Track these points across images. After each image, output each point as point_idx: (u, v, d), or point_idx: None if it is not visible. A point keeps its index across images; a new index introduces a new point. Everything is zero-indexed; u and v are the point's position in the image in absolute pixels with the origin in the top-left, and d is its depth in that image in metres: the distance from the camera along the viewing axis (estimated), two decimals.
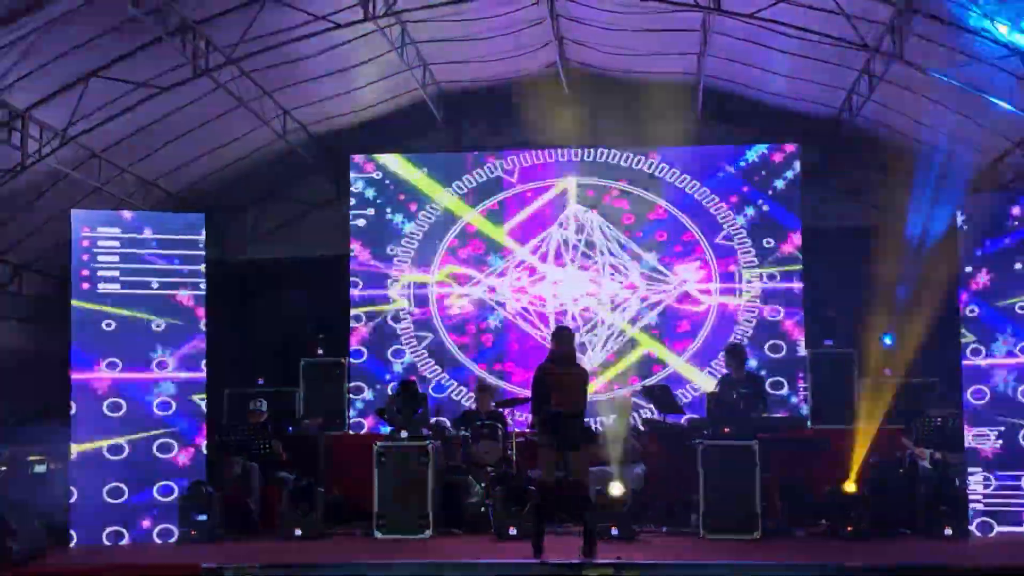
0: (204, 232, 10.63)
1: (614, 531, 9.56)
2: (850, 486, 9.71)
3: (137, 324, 10.27)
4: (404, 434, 10.17)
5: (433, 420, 11.02)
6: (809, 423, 11.90)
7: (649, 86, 13.27)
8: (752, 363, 12.33)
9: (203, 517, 9.99)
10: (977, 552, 8.82)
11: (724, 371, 11.12)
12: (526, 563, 8.16)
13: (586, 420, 8.96)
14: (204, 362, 10.44)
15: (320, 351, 12.79)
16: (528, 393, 11.84)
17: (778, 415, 12.00)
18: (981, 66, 10.20)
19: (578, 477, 8.61)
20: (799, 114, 13.17)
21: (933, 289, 11.03)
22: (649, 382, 12.35)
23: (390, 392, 12.03)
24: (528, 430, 11.11)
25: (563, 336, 8.81)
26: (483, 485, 10.52)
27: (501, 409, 11.52)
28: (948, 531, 9.54)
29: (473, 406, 11.95)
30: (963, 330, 10.07)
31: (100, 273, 10.32)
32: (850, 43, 10.61)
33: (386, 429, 10.73)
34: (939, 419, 10.37)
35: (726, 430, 9.77)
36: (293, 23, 10.73)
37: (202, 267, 10.55)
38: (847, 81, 12.01)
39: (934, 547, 9.05)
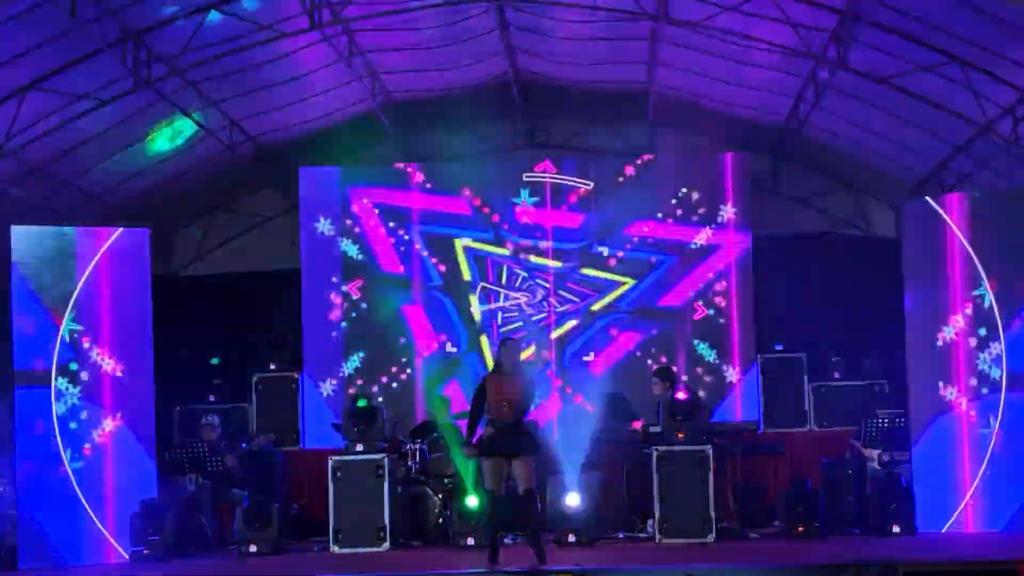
0: (149, 247, 10.75)
1: (572, 538, 9.90)
2: None
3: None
4: (359, 447, 10.38)
5: (388, 433, 11.25)
6: (761, 427, 12.33)
7: (600, 95, 13.69)
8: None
9: (155, 536, 10.09)
10: (923, 548, 9.24)
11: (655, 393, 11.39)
12: (482, 572, 8.45)
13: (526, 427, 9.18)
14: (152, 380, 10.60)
15: (273, 366, 12.96)
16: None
17: (731, 420, 12.45)
18: (924, 73, 10.67)
19: (526, 486, 8.87)
20: (748, 122, 13.56)
21: (879, 293, 11.50)
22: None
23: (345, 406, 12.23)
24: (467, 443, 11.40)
25: (506, 345, 9.14)
26: (440, 497, 10.78)
27: (457, 421, 11.80)
28: (896, 528, 9.98)
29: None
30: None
31: (41, 291, 10.34)
32: (795, 51, 11.04)
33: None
34: (886, 420, 10.82)
35: (680, 435, 10.09)
36: (238, 32, 10.87)
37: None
38: (794, 89, 12.44)
39: (882, 544, 9.48)
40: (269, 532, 10.28)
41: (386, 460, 10.32)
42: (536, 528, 8.99)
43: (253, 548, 10.21)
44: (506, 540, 10.05)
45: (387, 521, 10.11)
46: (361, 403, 10.55)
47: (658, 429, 10.58)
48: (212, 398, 12.77)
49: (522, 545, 9.59)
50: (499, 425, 8.78)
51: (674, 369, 12.05)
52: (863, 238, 13.97)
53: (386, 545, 10.06)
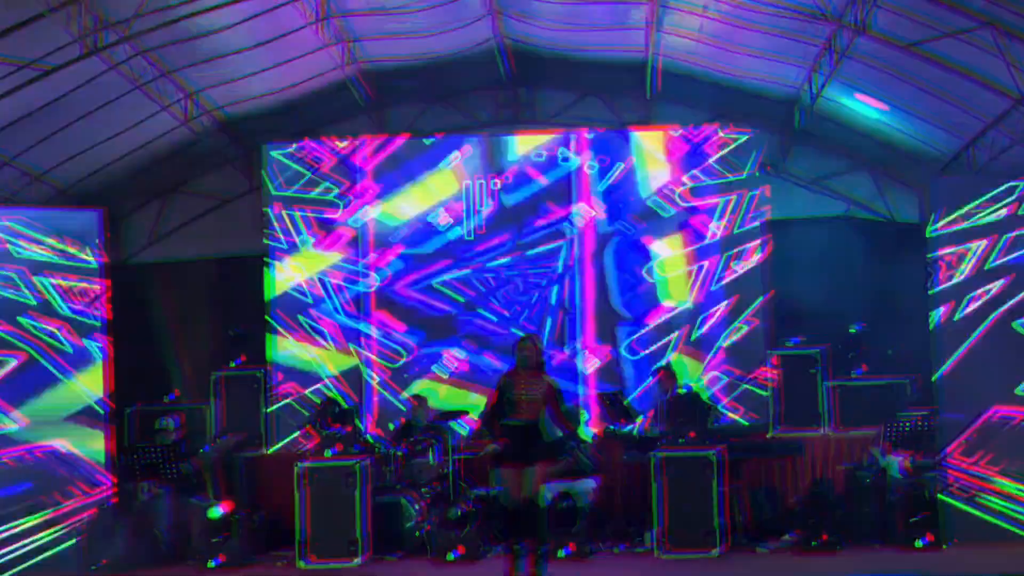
0: (101, 231, 10.48)
1: (567, 550, 9.70)
2: None
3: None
4: (331, 451, 10.12)
5: (366, 434, 11.03)
6: (777, 428, 12.04)
7: (595, 64, 13.44)
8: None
9: (108, 547, 9.98)
10: (950, 564, 8.98)
11: (659, 394, 11.24)
12: None
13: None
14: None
15: (236, 361, 12.70)
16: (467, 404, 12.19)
17: (742, 421, 12.22)
18: (954, 40, 10.38)
19: (533, 494, 8.68)
20: (756, 95, 13.33)
21: (906, 281, 11.27)
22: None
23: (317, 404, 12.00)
24: (471, 442, 11.13)
25: (526, 344, 8.85)
26: (420, 506, 10.52)
27: (442, 422, 11.49)
28: (922, 542, 9.72)
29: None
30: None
31: None
32: (811, 12, 10.74)
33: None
34: (910, 422, 10.56)
35: (692, 434, 9.91)
36: None
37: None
38: (809, 57, 12.17)
39: (906, 559, 9.22)
40: (232, 544, 10.12)
41: (359, 466, 10.01)
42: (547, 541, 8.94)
43: (214, 562, 10.01)
44: (495, 550, 9.85)
45: (360, 533, 9.90)
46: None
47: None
48: (172, 396, 12.54)
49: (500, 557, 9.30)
50: (511, 430, 8.56)
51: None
52: (884, 222, 13.68)
53: (358, 560, 9.87)
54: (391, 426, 12.46)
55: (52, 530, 10.04)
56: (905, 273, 11.34)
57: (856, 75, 12.06)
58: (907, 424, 10.58)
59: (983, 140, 12.14)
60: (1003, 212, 9.98)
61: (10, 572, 9.81)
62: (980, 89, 11.01)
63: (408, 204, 13.34)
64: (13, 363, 10.19)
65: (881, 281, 12.04)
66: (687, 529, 9.67)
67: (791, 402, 12.18)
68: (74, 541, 9.98)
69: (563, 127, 13.66)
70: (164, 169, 13.85)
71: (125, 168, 13.45)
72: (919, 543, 9.69)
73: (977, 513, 9.82)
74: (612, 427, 11.28)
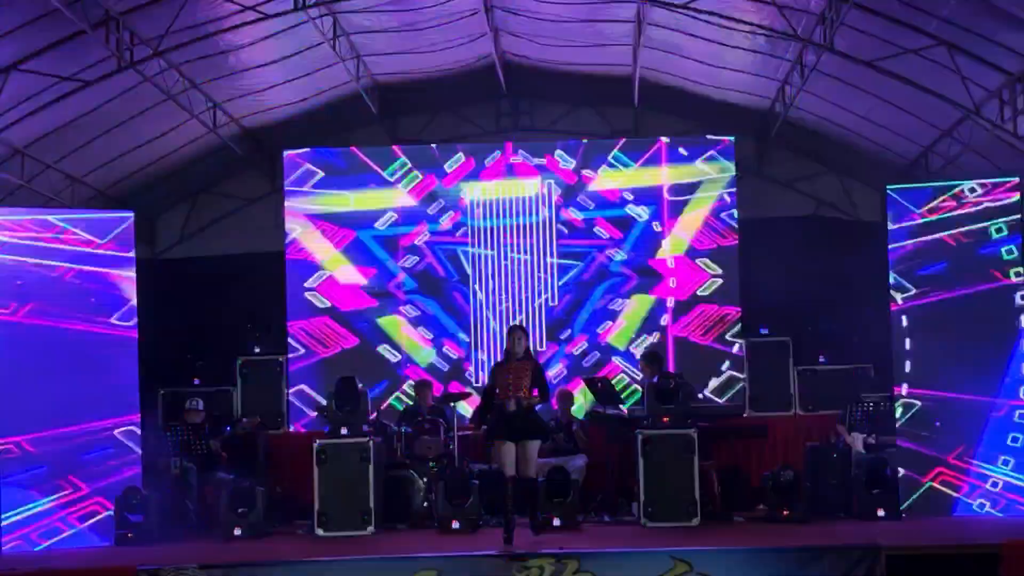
0: (134, 230, 10.60)
1: (556, 522, 9.88)
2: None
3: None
4: (344, 431, 10.33)
5: (373, 417, 11.17)
6: (746, 410, 12.28)
7: (586, 78, 13.62)
8: None
9: (139, 518, 10.03)
10: (905, 533, 9.20)
11: (641, 378, 11.41)
12: (469, 555, 8.40)
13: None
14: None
15: (257, 349, 12.84)
16: (467, 388, 12.45)
17: (717, 403, 12.44)
18: (910, 56, 10.61)
19: (532, 469, 9.08)
20: (734, 106, 13.51)
21: (865, 277, 11.45)
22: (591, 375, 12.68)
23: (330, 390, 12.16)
24: (470, 424, 11.42)
25: (513, 332, 9.32)
26: (425, 480, 10.74)
27: (443, 404, 11.77)
28: (881, 513, 9.95)
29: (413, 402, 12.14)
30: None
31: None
32: (782, 33, 10.96)
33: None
34: (871, 404, 10.77)
35: (665, 419, 10.08)
36: (221, 13, 10.81)
37: (132, 267, 10.49)
38: (781, 72, 12.37)
39: (867, 528, 9.47)
40: (253, 515, 10.21)
41: (371, 443, 10.23)
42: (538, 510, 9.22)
43: (238, 531, 10.12)
44: (492, 521, 10.06)
45: (372, 505, 10.04)
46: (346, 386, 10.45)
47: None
48: (197, 381, 12.60)
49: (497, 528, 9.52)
50: (509, 410, 8.96)
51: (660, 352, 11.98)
52: (849, 221, 13.92)
53: (371, 528, 10.00)
54: (399, 407, 12.72)
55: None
56: (865, 266, 11.50)
57: (823, 88, 12.29)
58: (868, 405, 10.87)
59: (937, 147, 12.41)
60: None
61: (47, 543, 9.91)
62: (935, 101, 11.22)
63: None
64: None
65: (843, 273, 12.22)
66: (669, 501, 9.82)
67: (763, 387, 12.42)
68: (108, 513, 10.09)
69: (558, 135, 13.87)
70: (192, 173, 14.00)
71: (156, 173, 13.62)
72: (879, 515, 9.89)
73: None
74: (600, 410, 11.52)
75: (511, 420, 9.01)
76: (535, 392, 9.14)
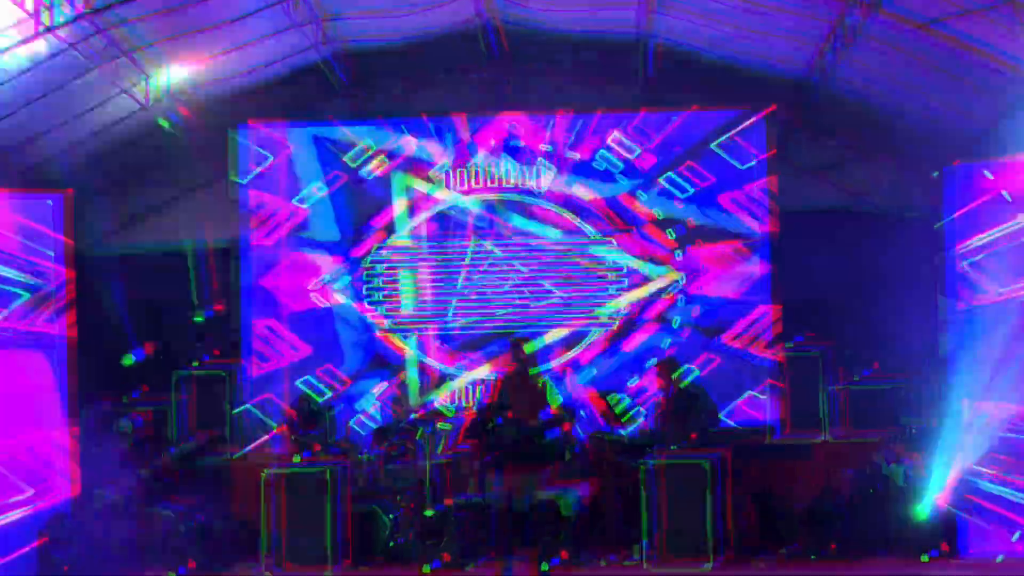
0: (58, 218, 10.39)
1: (553, 561, 9.63)
2: None
3: None
4: (302, 456, 10.07)
5: (342, 437, 10.94)
6: (777, 432, 12.00)
7: (587, 44, 13.32)
8: None
9: (62, 556, 9.92)
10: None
11: (656, 391, 11.21)
12: None
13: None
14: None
15: (205, 357, 12.65)
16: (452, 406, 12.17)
17: (743, 424, 12.20)
18: (972, 18, 10.25)
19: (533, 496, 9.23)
20: (762, 77, 13.21)
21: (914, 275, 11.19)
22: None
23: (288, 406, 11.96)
24: (463, 443, 11.07)
25: (518, 345, 9.43)
26: (390, 516, 10.41)
27: (422, 422, 11.39)
28: (933, 553, 9.70)
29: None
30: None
31: None
32: None
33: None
34: (914, 427, 10.56)
35: (694, 436, 9.89)
36: None
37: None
38: (817, 38, 12.04)
39: (917, 570, 9.20)
40: (196, 550, 10.17)
41: (329, 472, 9.98)
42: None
43: (179, 571, 10.00)
44: (479, 562, 9.88)
45: (329, 542, 9.84)
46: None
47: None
48: (136, 394, 12.46)
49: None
50: (507, 433, 8.99)
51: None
52: (896, 214, 13.56)
53: (330, 571, 9.82)
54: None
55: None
56: (915, 267, 11.27)
57: (868, 56, 11.91)
58: (913, 428, 10.55)
59: (1006, 124, 12.01)
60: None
61: None
62: (1002, 70, 10.81)
63: None
64: None
65: (889, 275, 11.96)
66: (679, 540, 9.63)
67: (795, 404, 12.13)
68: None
69: (553, 109, 13.63)
70: (127, 155, 13.63)
71: (85, 153, 13.22)
72: (926, 556, 9.64)
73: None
74: (603, 430, 11.15)
75: (518, 444, 8.97)
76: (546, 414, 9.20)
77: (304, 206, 13.42)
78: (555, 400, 9.31)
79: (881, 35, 11.35)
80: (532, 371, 9.20)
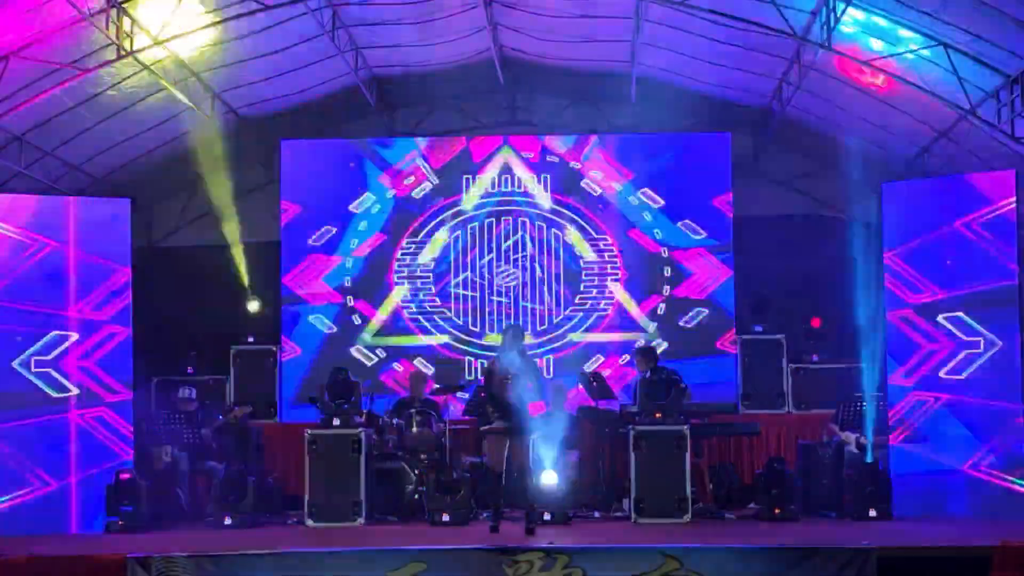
0: (130, 218, 10.54)
1: (547, 516, 9.75)
2: None
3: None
4: (336, 422, 10.18)
5: (366, 408, 11.02)
6: (739, 408, 12.12)
7: (583, 74, 13.45)
8: None
9: (130, 507, 9.94)
10: (897, 533, 9.07)
11: (636, 374, 11.32)
12: (458, 549, 8.27)
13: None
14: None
15: (251, 339, 12.75)
16: (461, 381, 12.35)
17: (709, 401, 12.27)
18: (908, 56, 10.45)
19: (521, 463, 9.31)
20: (731, 103, 13.35)
21: (860, 274, 11.34)
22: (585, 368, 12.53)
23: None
24: (466, 417, 11.29)
25: (509, 332, 9.58)
26: (416, 472, 10.59)
27: (435, 397, 11.62)
28: (873, 513, 9.79)
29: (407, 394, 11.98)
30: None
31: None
32: (779, 31, 10.82)
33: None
34: (864, 402, 10.62)
35: (657, 415, 9.93)
36: (221, 4, 10.69)
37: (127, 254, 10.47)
38: (778, 70, 12.22)
39: (858, 528, 9.32)
40: (244, 505, 10.16)
41: (362, 434, 10.09)
42: (530, 503, 9.34)
43: (228, 520, 10.07)
44: (483, 515, 9.99)
45: (363, 496, 9.97)
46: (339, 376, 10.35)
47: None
48: (190, 370, 12.56)
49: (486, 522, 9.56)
50: (501, 406, 9.15)
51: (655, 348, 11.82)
52: (845, 220, 13.74)
53: (361, 520, 9.93)
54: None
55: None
56: (859, 267, 11.40)
57: (820, 87, 12.11)
58: (859, 405, 10.72)
59: (934, 148, 12.24)
60: None
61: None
62: (933, 102, 11.00)
63: None
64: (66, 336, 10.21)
65: (839, 272, 12.10)
66: (660, 497, 9.76)
67: (756, 384, 12.30)
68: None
69: (556, 131, 13.73)
70: (190, 163, 13.60)
71: (155, 161, 13.43)
72: (871, 515, 9.78)
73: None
74: (592, 405, 11.37)
75: (508, 414, 9.10)
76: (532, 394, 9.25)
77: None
78: (536, 381, 9.39)
79: (831, 70, 11.53)
80: (515, 356, 9.28)
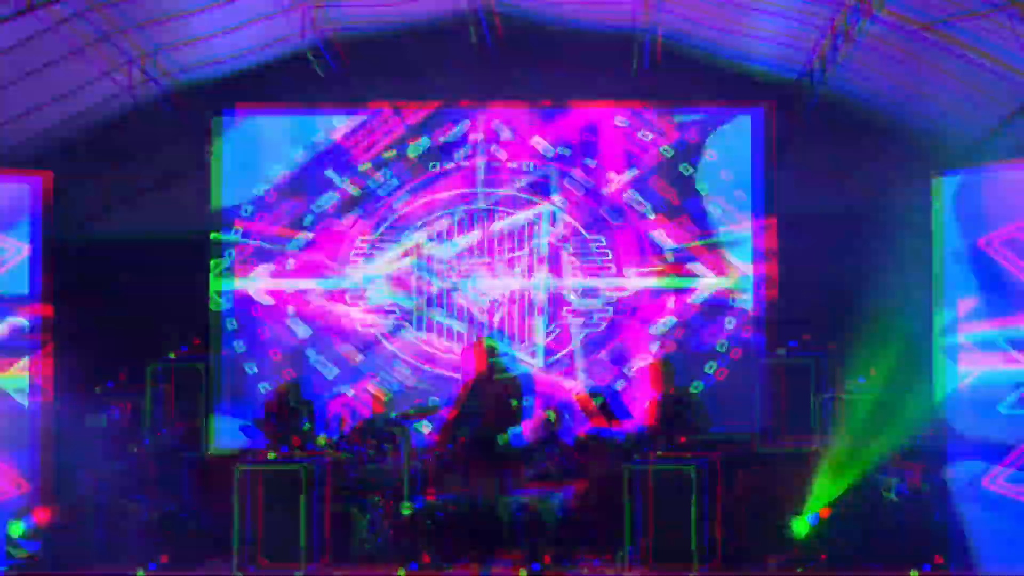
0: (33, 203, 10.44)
1: (536, 565, 9.70)
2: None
3: None
4: (275, 454, 10.08)
5: (321, 434, 10.94)
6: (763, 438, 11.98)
7: (584, 37, 13.32)
8: None
9: (33, 548, 10.01)
10: None
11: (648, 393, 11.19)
12: None
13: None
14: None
15: (183, 348, 12.69)
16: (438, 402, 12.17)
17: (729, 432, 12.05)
18: (976, 21, 10.32)
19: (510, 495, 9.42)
20: (760, 76, 13.29)
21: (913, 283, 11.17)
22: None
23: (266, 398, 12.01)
24: (437, 447, 11.09)
25: (485, 344, 9.63)
26: (367, 516, 10.42)
27: (404, 420, 11.40)
28: (925, 568, 9.68)
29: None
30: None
31: None
32: None
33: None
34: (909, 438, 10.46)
35: (683, 440, 9.93)
36: None
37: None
38: (816, 37, 12.11)
39: None
40: (168, 547, 10.22)
41: (305, 471, 9.97)
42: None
43: (150, 566, 10.02)
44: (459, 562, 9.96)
45: (304, 541, 9.88)
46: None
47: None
48: (110, 384, 12.59)
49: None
50: (483, 435, 9.27)
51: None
52: (890, 218, 13.56)
53: (302, 571, 9.85)
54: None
55: None
56: (914, 271, 11.25)
57: (867, 57, 11.97)
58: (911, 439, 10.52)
59: (1007, 129, 12.03)
60: None
61: None
62: (1005, 74, 10.90)
63: None
64: None
65: (886, 281, 11.94)
66: (664, 546, 9.68)
67: (784, 411, 12.12)
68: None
69: (545, 100, 13.62)
70: (107, 139, 13.68)
71: (64, 137, 13.26)
72: (915, 572, 9.61)
73: None
74: (590, 432, 11.16)
75: (494, 446, 9.27)
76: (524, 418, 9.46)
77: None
78: (519, 401, 9.36)
79: (881, 36, 11.40)
80: (500, 373, 9.24)
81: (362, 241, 13.31)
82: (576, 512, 10.57)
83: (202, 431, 12.44)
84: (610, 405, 11.21)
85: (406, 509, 9.95)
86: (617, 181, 13.30)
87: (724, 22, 12.25)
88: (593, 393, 11.62)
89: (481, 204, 13.38)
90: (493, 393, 9.23)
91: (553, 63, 13.84)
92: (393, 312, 13.20)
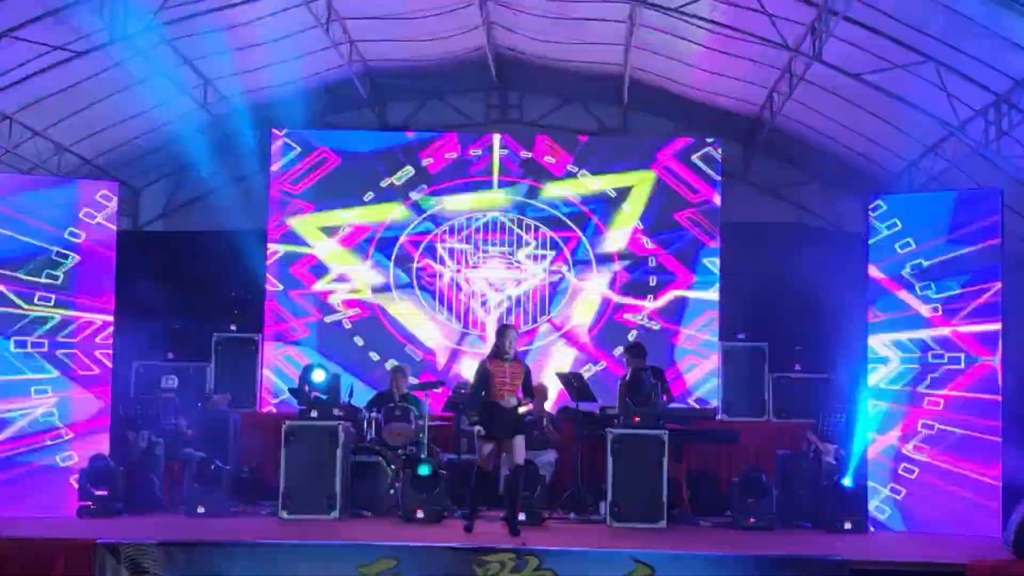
0: (116, 200, 10.34)
1: (522, 516, 9.54)
2: None
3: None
4: (314, 413, 10.02)
5: (345, 401, 10.85)
6: (720, 415, 12.00)
7: (576, 74, 13.35)
8: None
9: (103, 491, 9.76)
10: (871, 546, 8.93)
11: (622, 374, 11.14)
12: (429, 546, 8.11)
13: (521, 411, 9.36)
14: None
15: (233, 327, 12.56)
16: (440, 376, 12.20)
17: (689, 406, 12.16)
18: (899, 72, 10.37)
19: (519, 462, 9.19)
20: (723, 110, 13.26)
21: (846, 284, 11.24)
22: (564, 369, 12.36)
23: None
24: (446, 413, 11.16)
25: (502, 332, 9.37)
26: (393, 468, 10.44)
27: (416, 392, 11.45)
28: (848, 525, 9.66)
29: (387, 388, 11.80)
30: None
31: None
32: (772, 42, 10.72)
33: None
34: (844, 415, 10.48)
35: (636, 419, 9.82)
36: None
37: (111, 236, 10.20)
38: (769, 80, 12.12)
39: (831, 540, 9.19)
40: (218, 493, 10.00)
41: (340, 428, 9.92)
42: (520, 503, 9.30)
43: (201, 509, 9.88)
44: (457, 513, 9.88)
45: (337, 489, 9.79)
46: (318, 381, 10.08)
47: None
48: (171, 355, 12.35)
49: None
50: (497, 408, 9.08)
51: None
52: (831, 231, 13.66)
53: (335, 514, 9.75)
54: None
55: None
56: (846, 277, 11.30)
57: (810, 98, 12.02)
58: (840, 416, 10.57)
59: (922, 163, 12.15)
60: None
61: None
62: (921, 117, 10.98)
63: None
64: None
65: (824, 283, 11.99)
66: (636, 502, 9.61)
67: (738, 392, 12.15)
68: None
69: (545, 130, 13.60)
70: (179, 148, 13.54)
71: (144, 147, 13.30)
72: (846, 527, 9.58)
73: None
74: (572, 405, 11.20)
75: (507, 418, 9.09)
76: (520, 394, 9.20)
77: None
78: (529, 387, 9.28)
79: (821, 82, 11.44)
80: (513, 358, 9.21)
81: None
82: (560, 473, 10.66)
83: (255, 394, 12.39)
84: (581, 385, 11.26)
85: (422, 468, 9.92)
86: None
87: (692, 66, 12.28)
88: (567, 374, 11.63)
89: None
90: (507, 372, 9.14)
91: (552, 96, 13.88)
92: (417, 298, 13.09)
